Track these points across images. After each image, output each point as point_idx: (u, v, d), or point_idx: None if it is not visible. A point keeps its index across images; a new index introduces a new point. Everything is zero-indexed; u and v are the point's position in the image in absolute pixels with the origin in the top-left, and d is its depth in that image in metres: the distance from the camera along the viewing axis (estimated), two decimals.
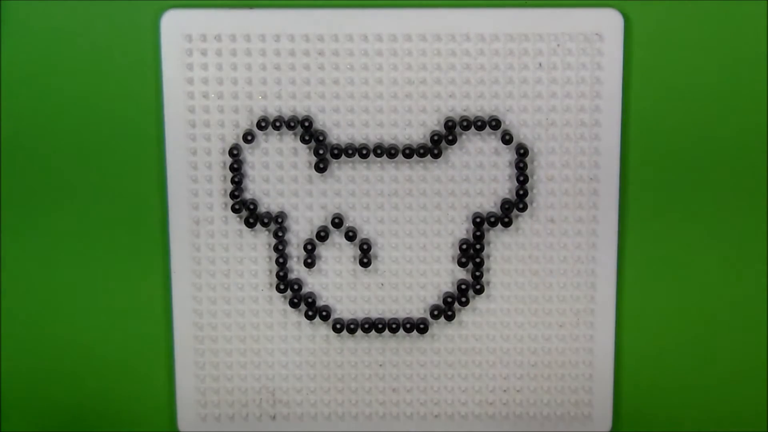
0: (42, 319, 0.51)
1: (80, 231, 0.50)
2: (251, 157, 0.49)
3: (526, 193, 0.49)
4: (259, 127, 0.48)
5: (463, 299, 0.50)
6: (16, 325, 0.51)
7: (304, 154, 0.49)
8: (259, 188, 0.49)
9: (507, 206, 0.49)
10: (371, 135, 0.48)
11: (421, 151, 0.48)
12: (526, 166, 0.48)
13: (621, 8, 0.47)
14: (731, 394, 0.52)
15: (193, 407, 0.51)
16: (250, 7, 0.47)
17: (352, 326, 0.50)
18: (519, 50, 0.47)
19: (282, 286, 0.50)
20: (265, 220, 0.49)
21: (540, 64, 0.48)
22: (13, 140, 0.49)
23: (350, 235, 0.49)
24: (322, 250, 0.50)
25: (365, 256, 0.49)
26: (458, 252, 0.49)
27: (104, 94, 0.49)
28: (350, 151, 0.48)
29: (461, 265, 0.49)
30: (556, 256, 0.49)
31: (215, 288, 0.50)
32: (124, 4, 0.48)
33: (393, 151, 0.48)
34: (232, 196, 0.49)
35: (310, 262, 0.49)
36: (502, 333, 0.50)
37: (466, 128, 0.48)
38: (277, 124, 0.48)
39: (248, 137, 0.48)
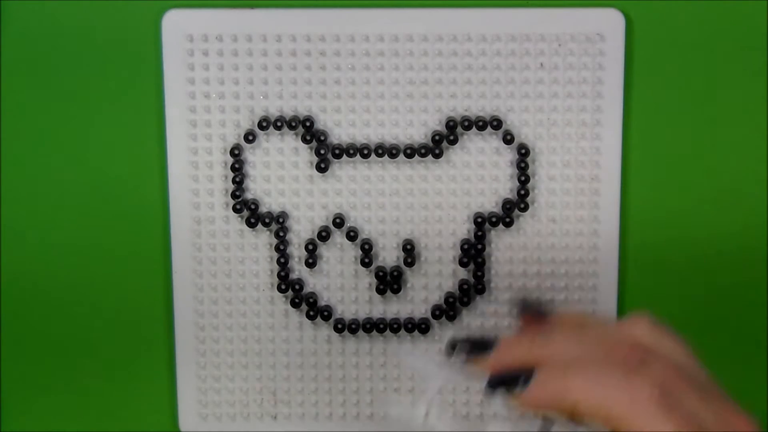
0: (43, 319, 0.51)
1: (81, 232, 0.50)
2: (252, 156, 0.48)
3: (527, 193, 0.49)
4: (261, 127, 0.48)
5: (465, 299, 0.50)
6: (17, 327, 0.51)
7: (306, 154, 0.49)
8: (260, 188, 0.49)
9: (508, 206, 0.49)
10: (372, 135, 0.48)
11: (423, 151, 0.48)
12: (527, 165, 0.48)
13: (622, 8, 0.47)
14: (731, 394, 0.52)
15: (194, 407, 0.51)
16: (252, 7, 0.47)
17: (353, 326, 0.50)
18: (520, 50, 0.47)
19: (283, 286, 0.50)
20: (267, 220, 0.49)
21: (541, 65, 0.48)
22: (14, 141, 0.49)
23: (351, 235, 0.49)
24: (324, 250, 0.50)
25: (366, 256, 0.49)
26: (460, 252, 0.49)
27: (106, 94, 0.48)
28: (351, 151, 0.48)
29: (463, 265, 0.49)
30: (557, 257, 0.49)
31: (216, 288, 0.50)
32: (125, 5, 0.48)
33: (394, 151, 0.48)
34: (234, 196, 0.49)
35: (311, 262, 0.49)
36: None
37: (468, 128, 0.48)
38: (279, 124, 0.48)
39: (249, 137, 0.48)
